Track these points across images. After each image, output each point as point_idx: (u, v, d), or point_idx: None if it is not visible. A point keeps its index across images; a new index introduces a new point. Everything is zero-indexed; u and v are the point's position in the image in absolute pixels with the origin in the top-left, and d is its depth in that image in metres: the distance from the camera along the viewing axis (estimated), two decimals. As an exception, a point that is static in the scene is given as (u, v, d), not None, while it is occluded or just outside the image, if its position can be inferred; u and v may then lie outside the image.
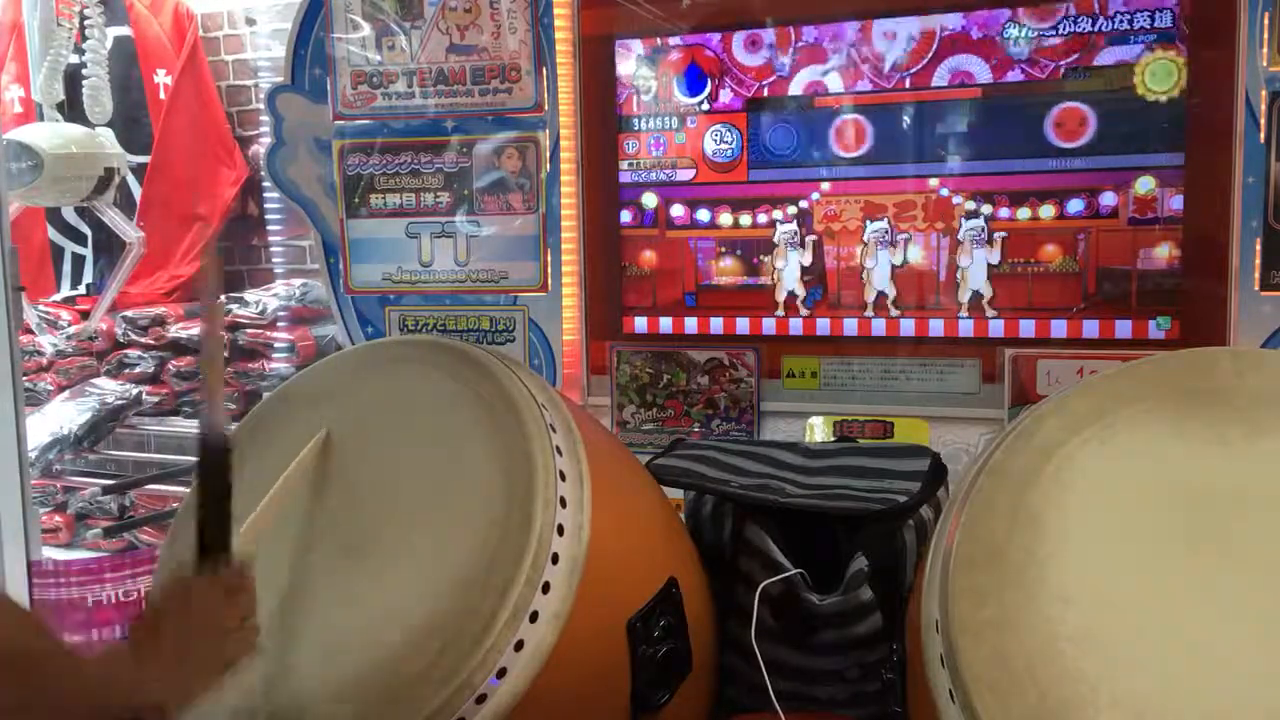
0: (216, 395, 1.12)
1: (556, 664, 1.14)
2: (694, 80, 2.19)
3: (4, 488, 2.05)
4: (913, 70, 2.05)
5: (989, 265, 2.05)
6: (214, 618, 1.01)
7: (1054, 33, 1.96)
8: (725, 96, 2.17)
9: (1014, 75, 1.99)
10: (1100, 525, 1.05)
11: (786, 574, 1.40)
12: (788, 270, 2.17)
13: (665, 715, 1.28)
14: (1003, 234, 2.03)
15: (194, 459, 1.08)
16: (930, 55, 2.04)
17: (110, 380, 3.34)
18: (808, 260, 2.16)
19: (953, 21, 2.02)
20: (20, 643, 0.91)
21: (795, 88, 2.13)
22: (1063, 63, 1.96)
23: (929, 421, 2.08)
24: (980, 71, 2.01)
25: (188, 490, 1.18)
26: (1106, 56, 1.94)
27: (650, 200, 2.25)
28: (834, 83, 2.10)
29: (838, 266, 2.15)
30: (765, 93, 2.14)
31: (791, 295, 2.17)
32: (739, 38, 2.15)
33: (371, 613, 1.16)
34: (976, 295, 2.06)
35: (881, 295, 2.12)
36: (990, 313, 2.06)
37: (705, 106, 2.18)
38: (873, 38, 2.07)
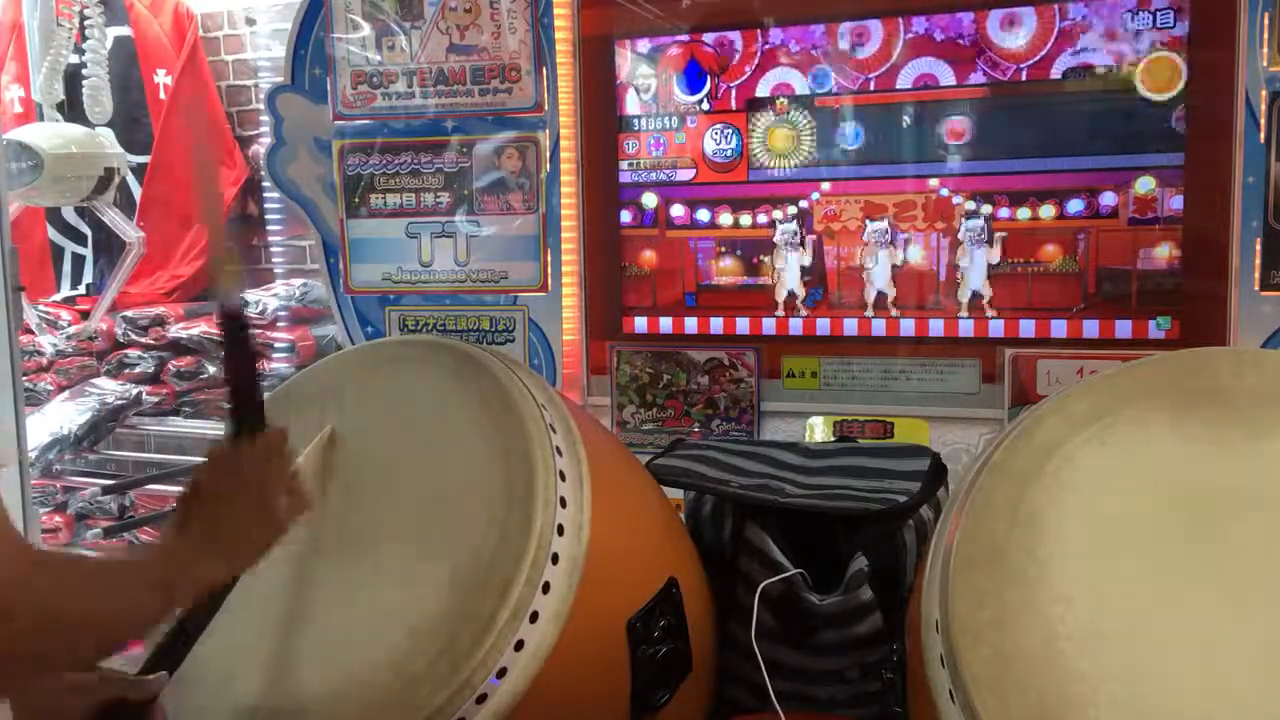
0: (230, 270, 1.13)
1: (556, 664, 1.14)
2: (693, 78, 2.19)
3: (4, 488, 2.05)
4: (912, 70, 2.05)
5: (989, 265, 2.05)
6: (257, 482, 1.02)
7: (1054, 32, 1.96)
8: (725, 96, 2.16)
9: (1014, 75, 1.99)
10: (1100, 525, 1.05)
11: (786, 574, 1.40)
12: (788, 270, 2.17)
13: (665, 715, 1.28)
14: (1003, 234, 2.03)
15: (218, 335, 1.09)
16: (930, 55, 2.04)
17: (110, 380, 3.34)
18: (808, 260, 2.16)
19: (953, 21, 2.02)
20: (70, 557, 0.93)
21: (797, 87, 2.12)
22: (1063, 63, 1.96)
23: (929, 421, 2.08)
24: (980, 71, 2.01)
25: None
26: (1106, 56, 1.94)
27: (650, 200, 2.25)
28: (834, 82, 2.10)
29: (838, 266, 2.14)
30: (768, 92, 2.14)
31: (791, 295, 2.17)
32: (739, 37, 2.15)
33: (371, 612, 1.16)
34: (976, 295, 2.06)
35: (881, 295, 2.12)
36: (990, 313, 2.06)
37: (705, 105, 2.18)
38: (873, 37, 2.07)
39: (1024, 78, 1.99)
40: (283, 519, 1.05)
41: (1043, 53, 1.97)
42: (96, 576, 0.92)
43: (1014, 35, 1.99)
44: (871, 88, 2.08)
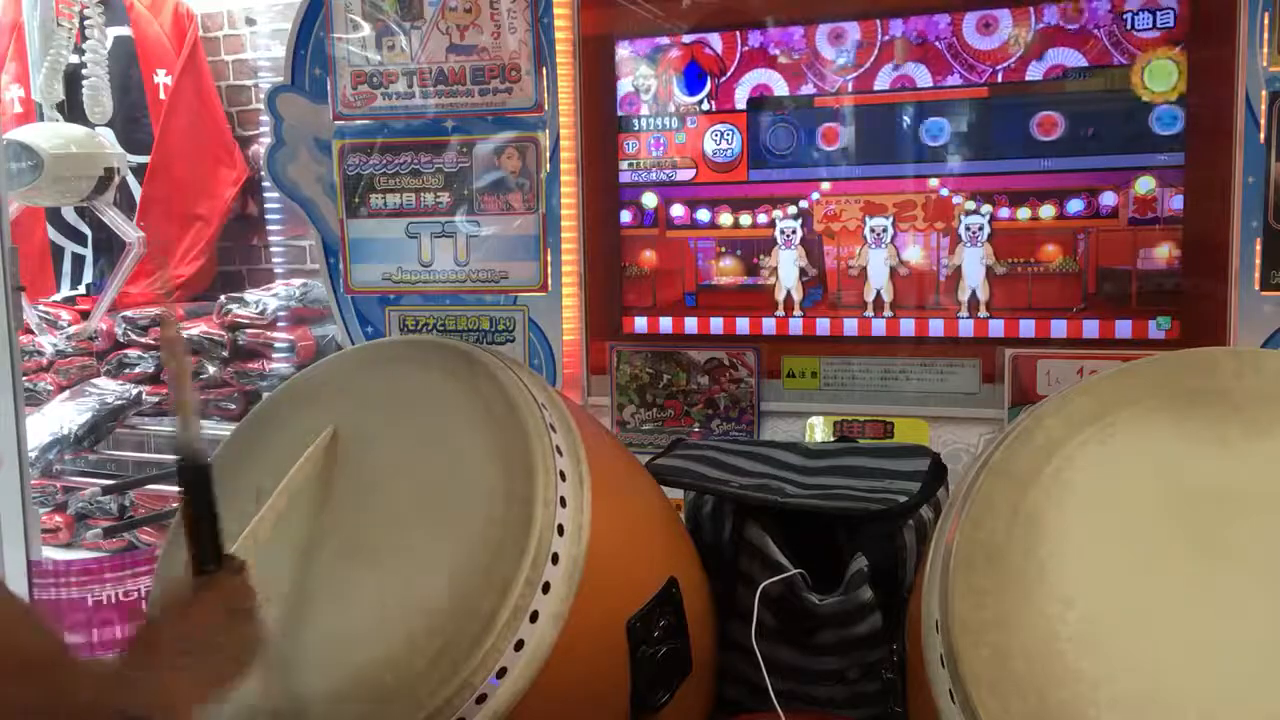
0: (188, 412, 1.09)
1: (556, 664, 1.14)
2: (693, 79, 2.19)
3: (4, 488, 2.05)
4: (913, 70, 2.05)
5: (988, 265, 2.05)
6: (213, 630, 1.01)
7: (1054, 32, 1.96)
8: (725, 96, 2.17)
9: (1014, 75, 1.99)
10: (1100, 525, 1.05)
11: (786, 574, 1.40)
12: (787, 270, 2.17)
13: (665, 715, 1.28)
14: (1003, 234, 2.03)
15: (175, 481, 1.07)
16: (930, 55, 2.04)
17: (110, 380, 3.34)
18: (807, 260, 2.16)
19: (953, 21, 2.02)
20: (27, 644, 0.91)
21: (796, 87, 2.12)
22: (1063, 62, 1.96)
23: (929, 421, 2.08)
24: (980, 71, 2.01)
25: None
26: (1106, 56, 1.94)
27: (650, 200, 2.25)
28: (834, 82, 2.10)
29: (838, 266, 2.15)
30: (764, 91, 2.14)
31: (791, 295, 2.17)
32: (732, 37, 2.15)
33: (371, 613, 1.16)
34: (976, 295, 2.07)
35: (881, 295, 2.12)
36: (990, 313, 2.06)
37: (706, 106, 2.18)
38: (872, 37, 2.07)
39: (1025, 78, 1.99)
40: (238, 672, 1.02)
41: (1043, 53, 1.97)
42: (38, 672, 0.89)
43: (1014, 34, 1.99)
44: (874, 87, 2.08)
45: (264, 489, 1.23)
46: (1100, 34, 1.94)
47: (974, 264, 2.06)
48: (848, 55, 2.08)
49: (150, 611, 1.00)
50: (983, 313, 2.06)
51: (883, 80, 2.07)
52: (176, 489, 1.07)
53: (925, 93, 2.05)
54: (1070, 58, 1.95)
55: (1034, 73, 1.98)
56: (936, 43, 2.03)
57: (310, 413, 1.36)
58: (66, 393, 3.32)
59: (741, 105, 2.16)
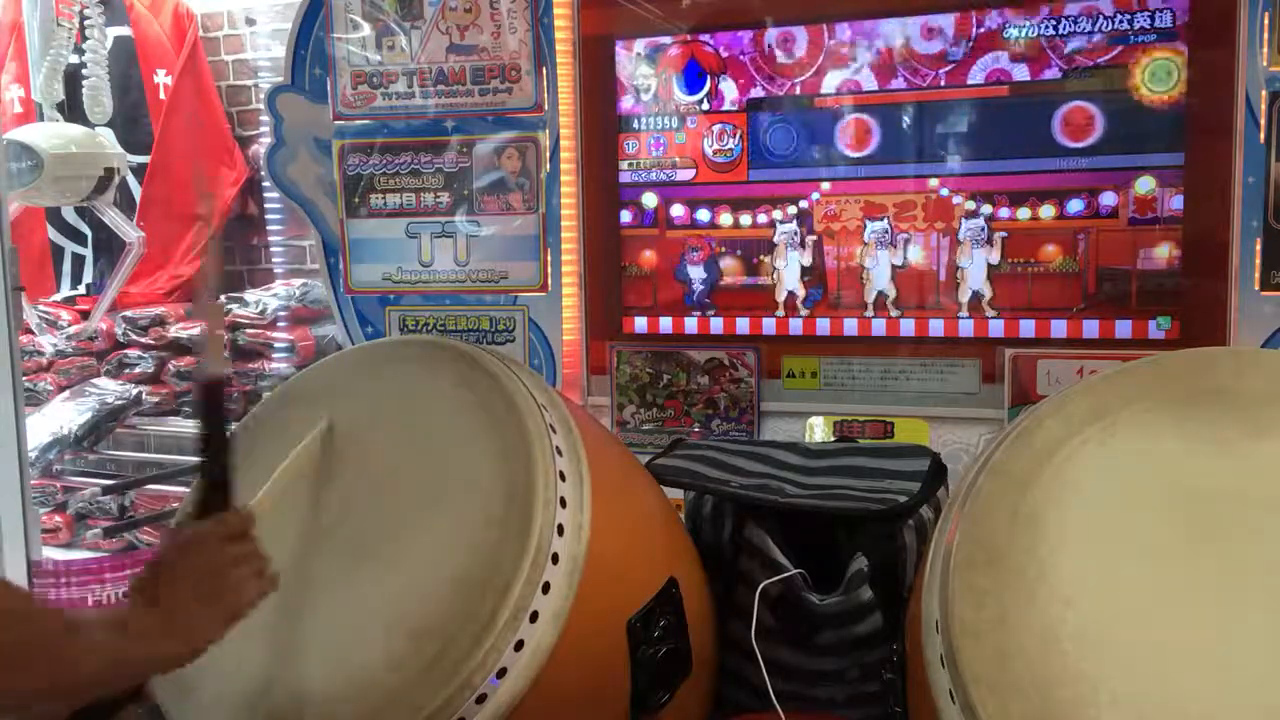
0: (214, 339, 1.13)
1: (556, 664, 1.14)
2: (693, 78, 2.19)
3: (4, 488, 2.05)
4: (912, 70, 2.05)
5: (989, 265, 2.05)
6: (216, 564, 1.02)
7: (1054, 32, 1.96)
8: (730, 93, 2.16)
9: (1014, 75, 1.99)
10: (1100, 525, 1.05)
11: (786, 574, 1.40)
12: (788, 270, 2.17)
13: (665, 715, 1.28)
14: (1003, 234, 2.03)
15: (196, 406, 1.09)
16: (930, 55, 2.04)
17: (110, 380, 3.33)
18: (808, 260, 2.16)
19: (952, 21, 2.02)
20: (28, 618, 0.92)
21: (796, 87, 2.13)
22: (1063, 63, 1.96)
23: (929, 421, 2.08)
24: (980, 71, 2.01)
25: (188, 490, 1.19)
26: (1106, 56, 1.94)
27: (650, 200, 2.25)
28: (834, 82, 2.10)
29: (838, 266, 2.15)
30: (764, 91, 2.14)
31: (791, 295, 2.17)
32: (739, 37, 2.15)
33: (371, 612, 1.16)
34: (976, 295, 2.07)
35: (881, 295, 2.12)
36: (990, 313, 2.06)
37: (705, 105, 2.18)
38: (872, 37, 2.07)
39: (1024, 77, 1.99)
40: (242, 602, 1.03)
41: (1042, 53, 1.97)
42: (47, 642, 0.90)
43: (1014, 35, 1.99)
44: (875, 87, 2.08)
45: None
46: (1104, 34, 1.94)
47: (974, 264, 2.05)
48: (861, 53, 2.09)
49: (155, 550, 1.01)
50: (985, 313, 2.06)
51: (887, 80, 2.07)
52: (196, 411, 1.09)
53: (926, 93, 2.05)
54: (1069, 59, 1.95)
55: (1035, 73, 1.98)
56: (982, 33, 2.02)
57: (310, 413, 1.36)
58: (66, 393, 3.31)
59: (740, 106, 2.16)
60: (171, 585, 0.99)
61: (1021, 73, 1.99)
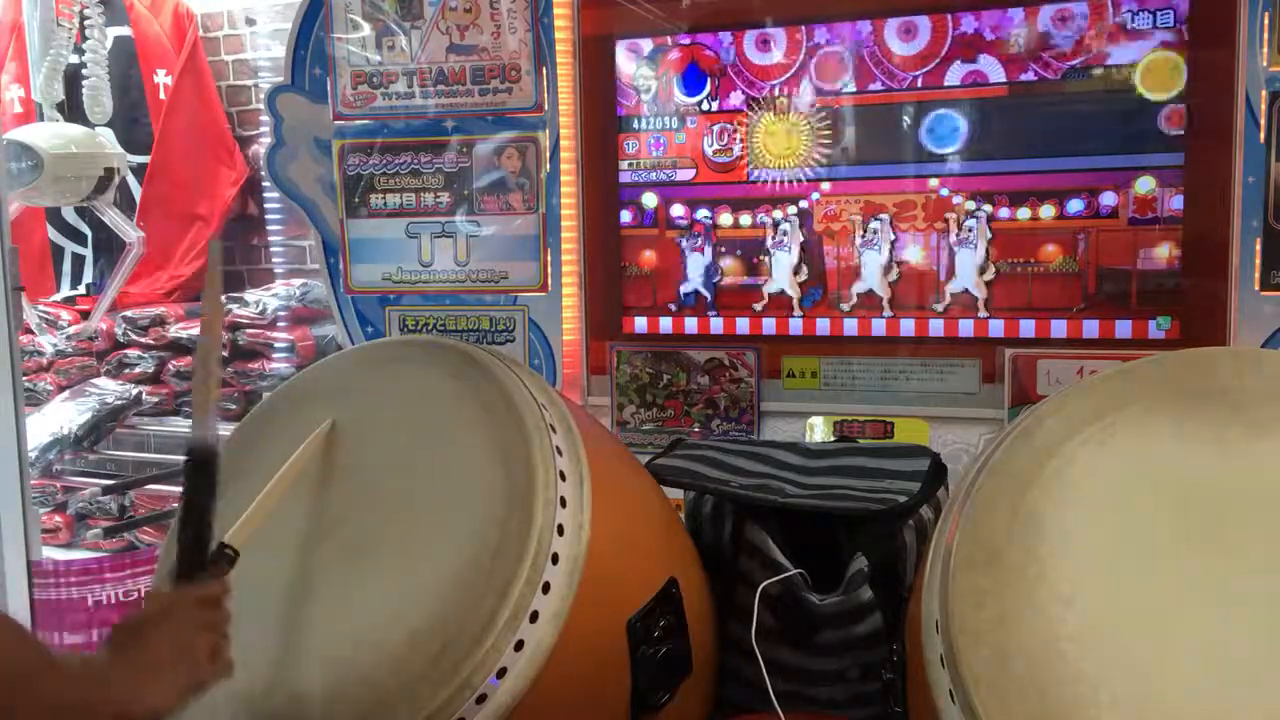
0: (208, 404, 1.10)
1: (556, 664, 1.14)
2: (693, 80, 2.19)
3: (4, 488, 2.05)
4: (913, 70, 2.05)
5: (989, 265, 2.05)
6: (185, 632, 1.02)
7: (1054, 32, 1.96)
8: (725, 96, 2.16)
9: (1014, 75, 1.99)
10: (1100, 525, 1.05)
11: (786, 574, 1.40)
12: (788, 270, 2.17)
13: (665, 715, 1.28)
14: (1003, 234, 2.03)
15: (181, 470, 1.08)
16: (930, 55, 2.04)
17: (110, 380, 3.34)
18: (808, 260, 2.16)
19: (952, 22, 2.02)
20: (4, 654, 0.93)
21: (796, 87, 2.13)
22: (1063, 63, 1.96)
23: (929, 421, 2.08)
24: (980, 71, 2.01)
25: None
26: (1106, 57, 1.94)
27: (650, 200, 2.25)
28: (834, 83, 2.10)
29: (838, 266, 2.14)
30: (765, 92, 2.14)
31: (791, 295, 2.17)
32: (741, 37, 2.14)
33: (371, 612, 1.16)
34: (976, 295, 2.06)
35: (881, 295, 2.12)
36: (990, 313, 2.06)
37: (705, 106, 2.18)
38: (872, 37, 2.07)
39: (1022, 77, 1.99)
40: (205, 670, 1.03)
41: (1042, 52, 1.97)
42: (19, 683, 0.91)
43: (1014, 35, 1.99)
44: (871, 87, 2.08)
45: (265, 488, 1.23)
46: (1104, 34, 1.94)
47: (974, 264, 2.05)
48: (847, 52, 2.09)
49: (139, 608, 1.02)
50: (983, 313, 2.06)
51: (887, 79, 2.07)
52: (180, 486, 1.08)
53: (925, 93, 2.05)
54: (1069, 59, 1.95)
55: (1035, 73, 1.98)
56: (981, 33, 2.02)
57: (310, 413, 1.36)
58: (66, 393, 3.32)
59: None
60: (149, 645, 1.00)
61: (1021, 73, 1.99)
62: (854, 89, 2.09)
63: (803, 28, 2.11)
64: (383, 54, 2.25)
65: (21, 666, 0.92)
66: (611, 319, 2.29)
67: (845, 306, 2.13)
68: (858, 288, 2.12)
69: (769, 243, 2.16)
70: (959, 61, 2.02)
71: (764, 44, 2.14)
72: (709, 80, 2.18)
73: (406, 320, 2.32)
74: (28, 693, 0.91)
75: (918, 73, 2.05)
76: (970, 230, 2.03)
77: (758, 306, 2.18)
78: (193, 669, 1.01)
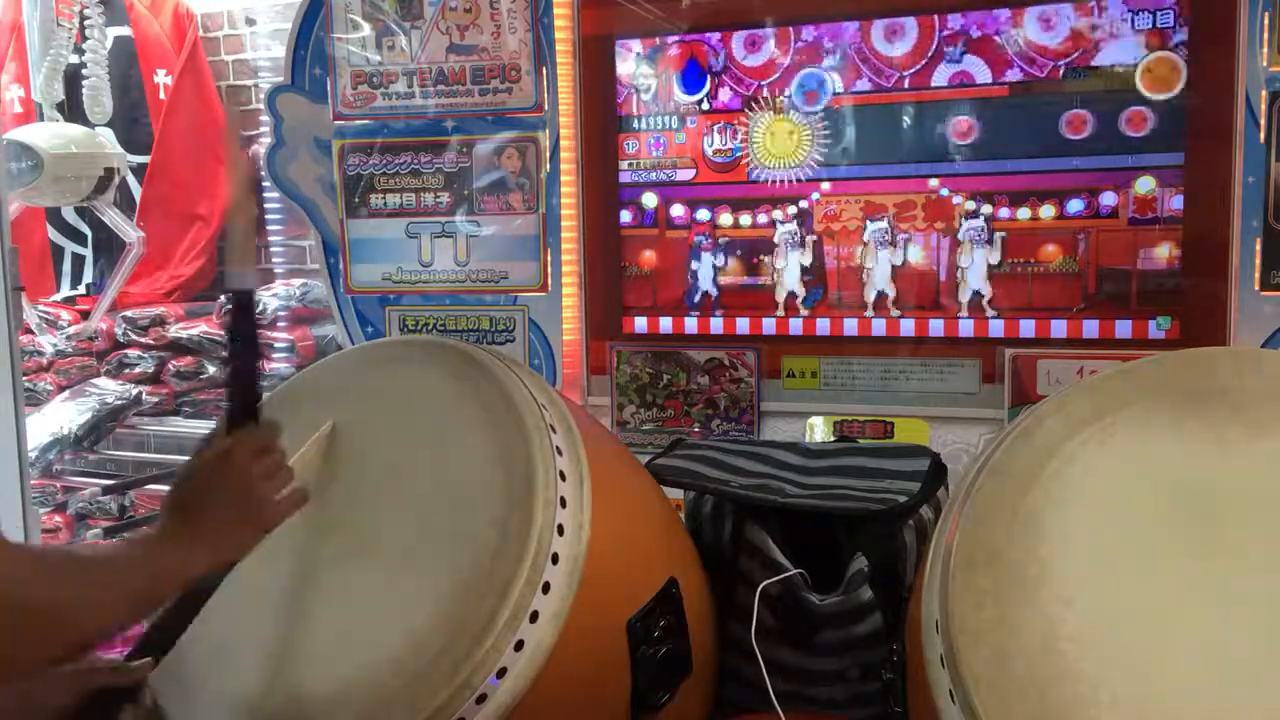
0: (246, 249, 1.13)
1: (556, 664, 1.14)
2: (693, 78, 2.19)
3: (4, 488, 2.05)
4: (913, 70, 2.05)
5: (989, 265, 2.05)
6: (246, 475, 1.04)
7: (1054, 32, 1.96)
8: (725, 96, 2.16)
9: (1014, 75, 1.99)
10: (1100, 525, 1.05)
11: (786, 574, 1.40)
12: (788, 270, 2.17)
13: (665, 715, 1.28)
14: (1003, 234, 2.03)
15: (227, 320, 1.10)
16: (930, 55, 2.04)
17: (110, 380, 3.34)
18: (808, 260, 2.16)
19: (953, 21, 2.02)
20: (60, 550, 0.95)
21: (795, 87, 2.13)
22: (1063, 63, 1.96)
23: (929, 421, 2.08)
24: (980, 71, 2.01)
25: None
26: (1106, 56, 1.94)
27: (650, 200, 2.25)
28: (834, 82, 2.10)
29: (838, 266, 2.15)
30: (765, 92, 2.14)
31: (791, 295, 2.17)
32: (738, 37, 2.15)
33: (371, 612, 1.16)
34: (976, 295, 2.06)
35: (882, 295, 2.12)
36: (990, 313, 2.06)
37: (705, 105, 2.18)
38: (873, 38, 2.07)
39: (1024, 77, 1.99)
40: (270, 514, 1.06)
41: (1042, 52, 1.97)
42: (76, 567, 0.93)
43: (1013, 35, 1.99)
44: (871, 87, 2.08)
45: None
46: (1104, 34, 1.94)
47: (974, 264, 2.05)
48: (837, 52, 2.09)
49: (182, 465, 1.03)
50: (989, 312, 2.06)
51: (886, 79, 2.07)
52: (226, 326, 1.11)
53: (925, 93, 2.05)
54: (1069, 59, 1.95)
55: (1034, 73, 1.98)
56: (982, 33, 2.02)
57: (310, 413, 1.36)
58: (66, 393, 3.31)
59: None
60: (202, 498, 1.01)
61: (1021, 72, 1.99)
62: (854, 89, 2.09)
63: (803, 28, 2.11)
64: (383, 54, 2.25)
65: (94, 554, 0.94)
66: (611, 319, 2.29)
67: (868, 313, 2.12)
68: (869, 291, 2.12)
69: (779, 245, 2.16)
70: (959, 62, 2.02)
71: (761, 44, 2.14)
72: (708, 78, 2.18)
73: (406, 320, 2.32)
74: (107, 569, 0.93)
75: (917, 72, 2.05)
76: (981, 230, 2.03)
77: (771, 316, 2.18)
78: (253, 514, 1.04)
